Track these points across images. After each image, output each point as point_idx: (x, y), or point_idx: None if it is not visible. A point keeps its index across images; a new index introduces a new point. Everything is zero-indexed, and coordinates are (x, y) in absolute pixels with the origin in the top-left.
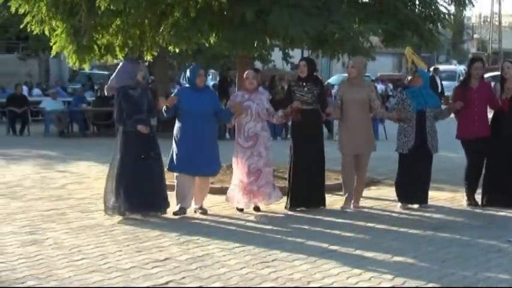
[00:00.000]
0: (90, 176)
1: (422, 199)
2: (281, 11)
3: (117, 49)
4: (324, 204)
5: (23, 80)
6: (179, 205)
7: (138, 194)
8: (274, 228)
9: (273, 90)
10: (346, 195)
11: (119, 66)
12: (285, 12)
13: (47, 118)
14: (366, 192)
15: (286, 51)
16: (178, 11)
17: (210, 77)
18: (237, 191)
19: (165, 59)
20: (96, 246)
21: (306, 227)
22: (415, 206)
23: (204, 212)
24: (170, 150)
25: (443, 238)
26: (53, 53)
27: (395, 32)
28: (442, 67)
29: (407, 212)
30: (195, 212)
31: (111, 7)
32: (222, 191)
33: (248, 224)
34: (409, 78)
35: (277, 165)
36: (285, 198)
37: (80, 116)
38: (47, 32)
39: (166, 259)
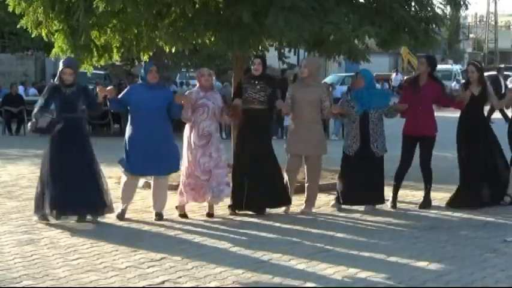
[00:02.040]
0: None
1: (375, 199)
2: (276, 14)
3: (114, 50)
4: (286, 204)
5: (19, 79)
6: (122, 206)
7: (66, 195)
8: (269, 228)
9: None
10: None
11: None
12: (280, 16)
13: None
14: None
15: (282, 51)
16: (176, 11)
17: None
18: (190, 189)
19: (161, 59)
20: (91, 246)
21: (300, 227)
22: (361, 208)
23: (160, 217)
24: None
25: (439, 238)
26: (52, 55)
27: (390, 36)
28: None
29: (402, 211)
30: (155, 217)
31: (108, 7)
32: None
33: (242, 224)
34: (352, 81)
35: None
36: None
37: None
38: (44, 35)
39: (162, 258)
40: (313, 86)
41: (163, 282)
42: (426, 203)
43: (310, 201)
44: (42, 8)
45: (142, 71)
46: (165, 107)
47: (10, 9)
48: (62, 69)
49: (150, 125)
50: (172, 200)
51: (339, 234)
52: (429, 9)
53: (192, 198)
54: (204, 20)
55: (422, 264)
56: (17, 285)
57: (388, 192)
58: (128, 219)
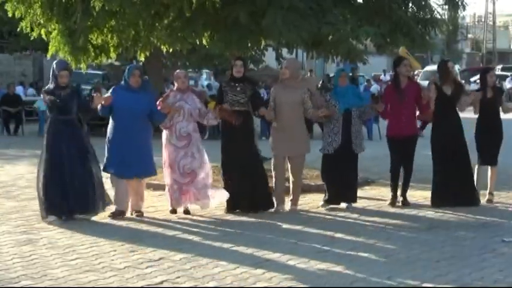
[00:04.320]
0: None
1: (350, 198)
2: (274, 14)
3: (111, 49)
4: (269, 207)
5: (17, 79)
6: (115, 207)
7: (59, 194)
8: (266, 228)
9: None
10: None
11: None
12: (278, 16)
13: (41, 118)
14: (359, 192)
15: (279, 51)
16: (173, 12)
17: (204, 76)
18: (174, 191)
19: (159, 59)
20: (90, 246)
21: (299, 227)
22: (343, 205)
23: (140, 214)
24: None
25: (437, 238)
26: (49, 55)
27: (388, 37)
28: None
29: (401, 211)
30: (131, 214)
31: (106, 8)
32: None
33: (240, 224)
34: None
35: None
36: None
37: None
38: (43, 35)
39: (160, 259)
40: (294, 87)
41: (161, 282)
42: (406, 203)
43: (296, 199)
44: (41, 10)
45: (125, 73)
46: (146, 111)
47: (10, 13)
48: (58, 73)
49: (131, 128)
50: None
51: (338, 234)
52: (427, 10)
53: (176, 202)
54: (202, 20)
55: (421, 264)
56: (15, 285)
57: (387, 192)
58: (127, 220)
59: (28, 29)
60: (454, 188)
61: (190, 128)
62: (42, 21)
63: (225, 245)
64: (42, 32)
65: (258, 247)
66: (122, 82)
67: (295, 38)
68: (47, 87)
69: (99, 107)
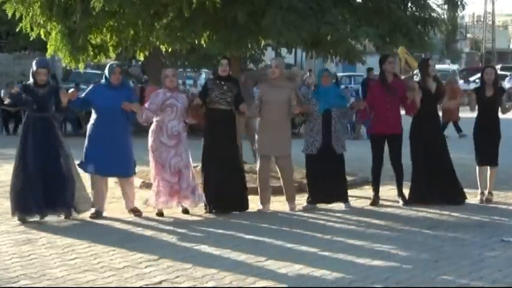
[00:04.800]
0: (82, 176)
1: (342, 197)
2: (274, 14)
3: (111, 49)
4: (245, 209)
5: (17, 79)
6: (94, 208)
7: (34, 193)
8: (265, 229)
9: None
10: (262, 196)
11: None
12: (278, 16)
13: None
14: (358, 192)
15: (279, 50)
16: (172, 11)
17: (203, 76)
18: (163, 192)
19: (159, 59)
20: (89, 246)
21: (298, 229)
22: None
23: (139, 214)
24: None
25: (436, 238)
26: (48, 55)
27: (387, 37)
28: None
29: (400, 211)
30: (129, 213)
31: (106, 8)
32: None
33: (239, 224)
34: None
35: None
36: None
37: (73, 115)
38: (42, 35)
39: (159, 258)
40: (281, 87)
41: (160, 282)
42: (404, 200)
43: (292, 199)
44: (40, 10)
45: (106, 71)
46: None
47: (9, 14)
48: (36, 70)
49: (111, 125)
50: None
51: (337, 235)
52: (426, 10)
53: (164, 203)
54: (202, 19)
55: (420, 264)
56: (14, 285)
57: (385, 192)
58: (125, 220)
59: (28, 29)
60: (436, 186)
61: (181, 127)
62: (41, 21)
63: (225, 245)
64: (42, 32)
65: (256, 247)
66: (103, 80)
67: (294, 38)
68: (27, 83)
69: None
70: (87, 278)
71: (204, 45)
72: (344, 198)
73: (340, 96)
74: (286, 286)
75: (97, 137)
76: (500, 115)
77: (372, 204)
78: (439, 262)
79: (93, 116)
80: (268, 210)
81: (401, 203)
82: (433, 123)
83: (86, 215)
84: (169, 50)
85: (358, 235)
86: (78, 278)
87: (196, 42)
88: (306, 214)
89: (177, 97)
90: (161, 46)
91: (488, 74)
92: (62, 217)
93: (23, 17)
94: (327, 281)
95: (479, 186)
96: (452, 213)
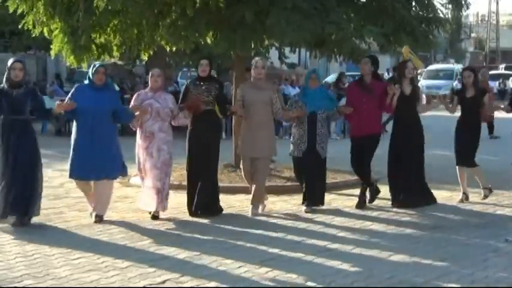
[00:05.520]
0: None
1: (318, 200)
2: (278, 15)
3: (114, 48)
4: (218, 213)
5: None
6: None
7: (11, 196)
8: (270, 227)
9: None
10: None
11: None
12: (282, 16)
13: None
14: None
15: (282, 50)
16: (176, 11)
17: None
18: (147, 194)
19: (163, 58)
20: (92, 245)
21: (303, 226)
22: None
23: (100, 219)
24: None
25: (440, 237)
26: (52, 54)
27: (391, 36)
28: (439, 66)
29: (404, 211)
30: (95, 218)
31: (109, 7)
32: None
33: (243, 223)
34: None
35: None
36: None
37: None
38: (46, 33)
39: (163, 258)
40: (263, 88)
41: (164, 281)
42: (361, 203)
43: (257, 203)
44: (43, 8)
45: (90, 71)
46: (110, 109)
47: (11, 10)
48: (11, 64)
49: (94, 127)
50: (177, 199)
51: (341, 234)
52: (430, 9)
53: (148, 205)
54: (205, 19)
55: (423, 264)
56: (18, 285)
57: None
58: (128, 220)
59: (30, 26)
60: (408, 187)
61: (156, 127)
62: (44, 19)
63: (229, 244)
64: (45, 30)
65: (260, 246)
66: (86, 80)
67: (298, 38)
68: (3, 86)
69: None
70: (91, 278)
71: (208, 45)
72: (319, 201)
73: (328, 98)
74: (291, 286)
75: (80, 140)
76: (501, 115)
77: (357, 207)
78: (444, 262)
79: (76, 118)
80: (257, 211)
81: (355, 203)
82: (407, 126)
83: (87, 214)
84: (174, 49)
85: (362, 234)
86: (82, 277)
87: (201, 41)
88: (309, 212)
89: (158, 98)
90: (165, 45)
91: (466, 78)
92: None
93: (26, 14)
94: (331, 280)
95: (460, 186)
96: (456, 213)
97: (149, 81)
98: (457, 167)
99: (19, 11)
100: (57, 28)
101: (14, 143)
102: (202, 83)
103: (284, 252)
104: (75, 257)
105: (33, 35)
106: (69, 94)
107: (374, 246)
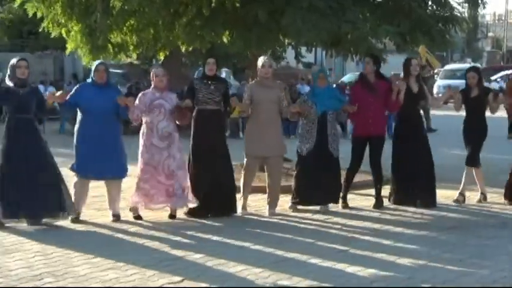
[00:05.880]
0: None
1: (333, 199)
2: (294, 14)
3: (131, 48)
4: (234, 211)
5: (38, 78)
6: (76, 211)
7: (18, 198)
8: (285, 227)
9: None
10: (242, 197)
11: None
12: (297, 15)
13: (62, 116)
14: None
15: (299, 49)
16: (192, 10)
17: (224, 75)
18: (143, 194)
19: (179, 58)
20: (111, 244)
21: (315, 227)
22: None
23: (117, 218)
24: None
25: (459, 238)
26: (67, 52)
27: (408, 35)
28: (456, 66)
29: (420, 211)
30: (112, 218)
31: (126, 7)
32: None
33: (258, 223)
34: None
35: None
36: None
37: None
38: (64, 34)
39: (181, 257)
40: (271, 87)
41: (182, 280)
42: (379, 203)
43: (274, 202)
44: (61, 9)
45: (92, 69)
46: (113, 108)
47: (30, 13)
48: (17, 62)
49: (99, 126)
50: None
51: (356, 235)
52: (447, 8)
53: (145, 204)
54: (222, 18)
55: (442, 264)
56: (37, 283)
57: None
58: (146, 218)
59: (50, 29)
60: (412, 186)
61: (171, 127)
62: (62, 21)
63: (245, 243)
64: (63, 31)
65: (277, 246)
66: (89, 79)
67: (314, 37)
68: (6, 84)
69: (58, 106)
70: (110, 276)
71: (224, 45)
72: (333, 200)
73: (336, 98)
74: (307, 286)
75: (85, 139)
76: (498, 114)
77: (343, 207)
78: (462, 262)
79: (79, 117)
80: (245, 213)
81: (372, 205)
82: (414, 124)
83: (105, 213)
84: (190, 49)
85: (378, 234)
86: (101, 276)
87: (218, 41)
88: (315, 216)
89: (166, 97)
90: (181, 45)
91: (470, 78)
92: (54, 222)
93: (44, 16)
94: (348, 280)
95: (478, 186)
96: (473, 213)
97: (153, 81)
98: (472, 169)
99: (38, 14)
100: (74, 28)
101: (21, 142)
102: (210, 82)
103: (299, 253)
104: (94, 255)
105: (52, 37)
106: (72, 91)
107: (391, 247)
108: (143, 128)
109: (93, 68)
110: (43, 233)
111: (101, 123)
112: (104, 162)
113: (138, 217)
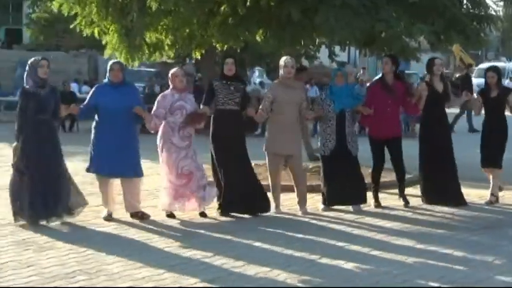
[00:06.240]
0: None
1: (358, 199)
2: (327, 12)
3: (167, 47)
4: (266, 210)
5: (73, 77)
6: (105, 210)
7: (40, 197)
8: (319, 229)
9: None
10: (273, 197)
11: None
12: (331, 14)
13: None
14: (407, 190)
15: (332, 48)
16: (227, 9)
17: (257, 73)
18: (166, 194)
19: (212, 56)
20: (144, 243)
21: (345, 228)
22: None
23: (143, 217)
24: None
25: (490, 238)
26: (106, 55)
27: (442, 34)
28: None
29: (452, 211)
30: (131, 217)
31: (162, 7)
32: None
33: (288, 224)
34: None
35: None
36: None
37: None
38: (96, 34)
39: (213, 256)
40: (294, 87)
41: (213, 279)
42: (405, 202)
43: (304, 200)
44: (96, 9)
45: (108, 69)
46: (129, 107)
47: (65, 13)
48: (39, 62)
49: (115, 125)
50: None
51: (389, 235)
52: (482, 7)
53: (168, 205)
54: (256, 17)
55: (474, 264)
56: (71, 281)
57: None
58: (178, 218)
59: (83, 27)
60: (440, 185)
61: (192, 129)
62: (96, 20)
63: (275, 243)
64: (96, 30)
65: (306, 245)
66: (105, 79)
67: (347, 35)
68: (27, 86)
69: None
70: (142, 274)
71: (258, 43)
72: (360, 200)
73: (353, 97)
74: (337, 286)
75: (101, 138)
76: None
77: (375, 206)
78: (494, 262)
79: (96, 116)
80: (280, 212)
81: (403, 204)
82: (440, 124)
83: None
84: (225, 47)
85: (411, 235)
86: (134, 274)
87: (252, 39)
88: (347, 216)
89: (185, 98)
90: (215, 44)
91: (489, 78)
92: (69, 219)
93: (78, 15)
94: (379, 280)
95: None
96: (502, 213)
97: (172, 82)
98: (482, 170)
99: (72, 12)
100: (110, 29)
101: (40, 142)
102: (229, 83)
103: (331, 255)
104: (126, 253)
105: (85, 35)
106: (89, 94)
107: (425, 247)
108: (162, 127)
109: (108, 67)
110: (73, 231)
111: (117, 122)
112: (118, 160)
113: (170, 215)
